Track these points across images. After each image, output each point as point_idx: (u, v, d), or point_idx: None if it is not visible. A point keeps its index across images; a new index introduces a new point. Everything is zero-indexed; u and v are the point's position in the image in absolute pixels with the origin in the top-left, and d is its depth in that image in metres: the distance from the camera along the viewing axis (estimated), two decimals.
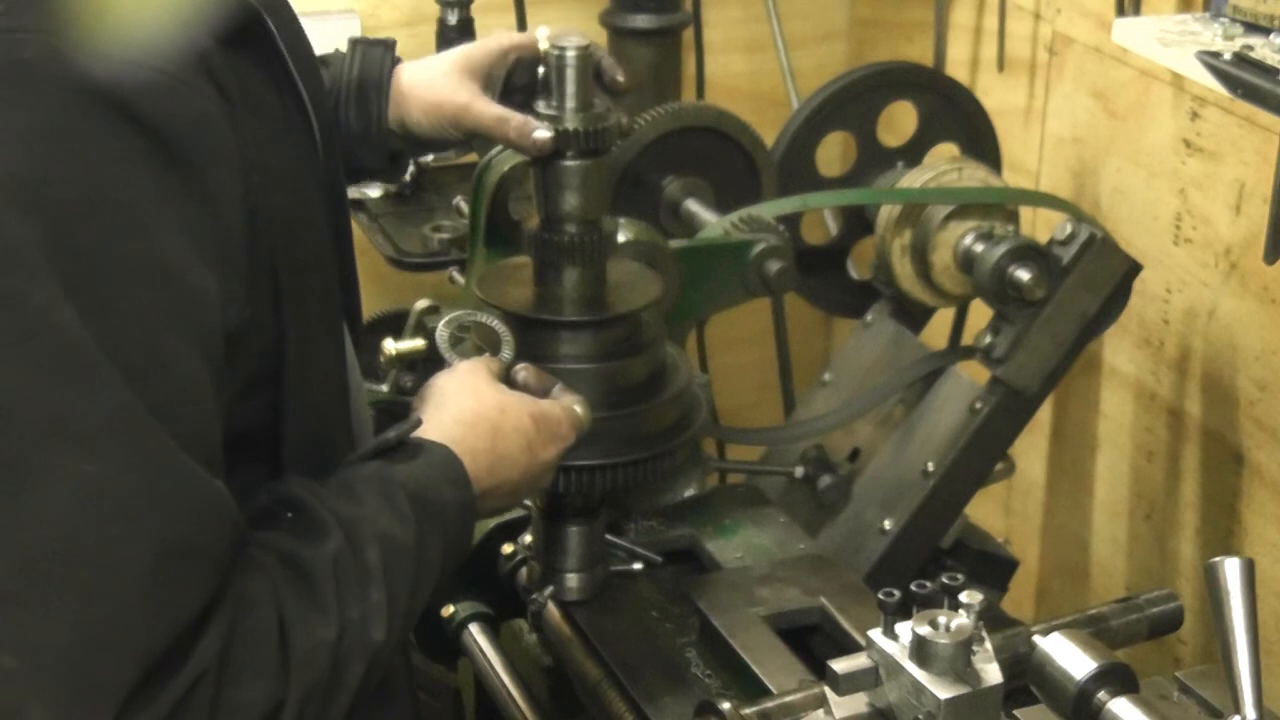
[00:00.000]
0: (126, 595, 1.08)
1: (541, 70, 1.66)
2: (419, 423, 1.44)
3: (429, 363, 2.11)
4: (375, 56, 1.72)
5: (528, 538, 1.85)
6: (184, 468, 1.12)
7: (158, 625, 1.10)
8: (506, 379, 1.59)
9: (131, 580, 1.08)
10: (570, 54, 1.62)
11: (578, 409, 1.58)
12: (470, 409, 1.48)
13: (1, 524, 1.06)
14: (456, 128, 1.71)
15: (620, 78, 1.72)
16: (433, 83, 1.71)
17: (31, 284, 1.07)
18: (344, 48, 1.75)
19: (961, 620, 1.25)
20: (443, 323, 1.66)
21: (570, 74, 1.62)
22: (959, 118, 2.31)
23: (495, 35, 1.75)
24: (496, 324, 1.64)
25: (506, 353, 1.62)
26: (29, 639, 1.06)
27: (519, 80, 1.73)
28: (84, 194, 1.10)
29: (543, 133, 1.63)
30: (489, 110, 1.68)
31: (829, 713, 1.32)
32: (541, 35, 1.69)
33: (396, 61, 1.74)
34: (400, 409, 2.09)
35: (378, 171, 1.82)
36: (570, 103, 1.63)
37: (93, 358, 1.08)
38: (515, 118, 1.65)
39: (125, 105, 1.12)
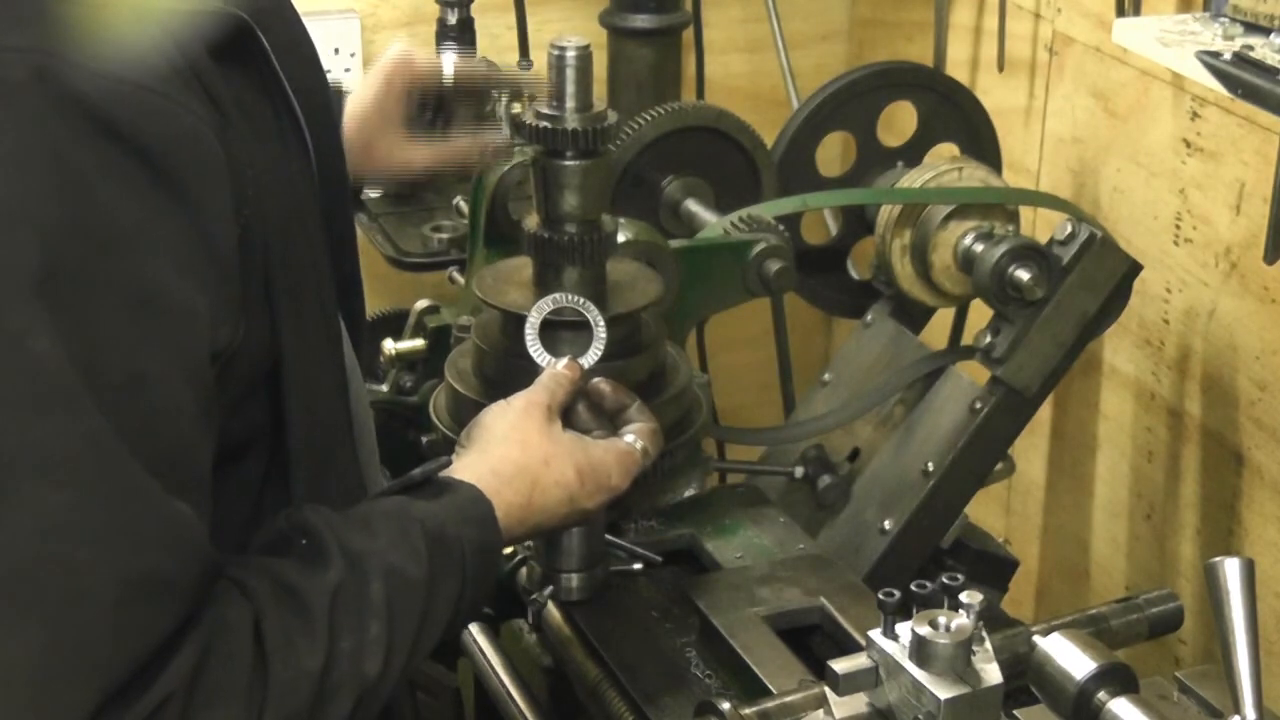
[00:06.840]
0: (91, 622, 1.08)
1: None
2: (448, 463, 1.43)
3: (428, 363, 2.11)
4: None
5: None
6: (153, 498, 1.11)
7: (122, 651, 1.09)
8: (572, 407, 1.54)
9: (96, 608, 1.08)
10: (570, 54, 1.62)
11: (639, 447, 1.53)
12: (512, 460, 1.45)
13: None
14: (412, 182, 1.72)
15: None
16: (353, 156, 1.64)
17: (10, 308, 1.06)
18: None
19: (961, 620, 1.25)
20: (535, 309, 1.58)
21: (570, 74, 1.62)
22: (959, 118, 2.31)
23: (366, 79, 1.73)
24: (589, 316, 1.58)
25: (590, 356, 1.56)
26: (2, 657, 1.07)
27: (415, 96, 1.72)
28: (69, 215, 1.09)
29: (493, 136, 1.66)
30: (422, 156, 1.70)
31: (829, 713, 1.32)
32: (392, 49, 1.68)
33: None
34: (400, 409, 2.09)
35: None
36: (570, 103, 1.63)
37: (67, 385, 1.07)
38: (454, 151, 1.68)
39: (113, 124, 1.11)
